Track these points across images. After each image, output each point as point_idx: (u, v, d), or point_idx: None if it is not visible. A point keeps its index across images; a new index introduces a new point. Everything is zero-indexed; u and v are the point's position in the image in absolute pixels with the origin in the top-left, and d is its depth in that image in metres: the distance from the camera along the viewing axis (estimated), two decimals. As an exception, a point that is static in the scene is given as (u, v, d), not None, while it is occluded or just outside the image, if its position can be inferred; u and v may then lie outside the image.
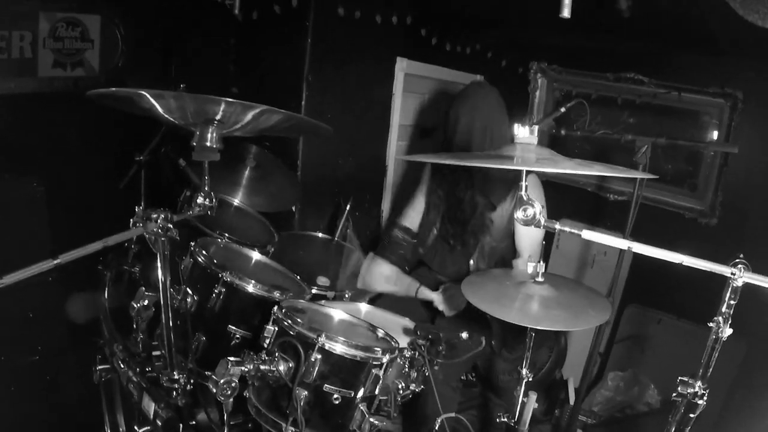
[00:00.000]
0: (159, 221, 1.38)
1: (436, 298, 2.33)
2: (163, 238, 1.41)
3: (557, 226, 1.34)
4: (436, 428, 1.76)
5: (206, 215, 1.58)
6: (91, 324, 2.06)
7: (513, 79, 4.07)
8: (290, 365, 1.51)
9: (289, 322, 1.55)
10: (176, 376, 1.50)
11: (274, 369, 1.50)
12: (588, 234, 1.32)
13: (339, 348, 1.49)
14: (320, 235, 2.91)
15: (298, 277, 2.12)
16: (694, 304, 3.31)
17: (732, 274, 1.26)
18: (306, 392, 1.48)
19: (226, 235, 2.16)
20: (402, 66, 3.58)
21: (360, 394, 1.54)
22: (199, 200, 1.54)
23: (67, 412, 2.33)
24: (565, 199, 3.73)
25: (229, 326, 1.80)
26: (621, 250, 2.32)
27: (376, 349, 1.54)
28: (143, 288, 1.70)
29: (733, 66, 3.08)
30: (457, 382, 2.37)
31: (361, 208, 3.43)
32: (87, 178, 2.59)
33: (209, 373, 1.77)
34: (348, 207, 3.01)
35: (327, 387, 1.50)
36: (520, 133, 1.39)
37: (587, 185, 3.81)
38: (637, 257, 3.56)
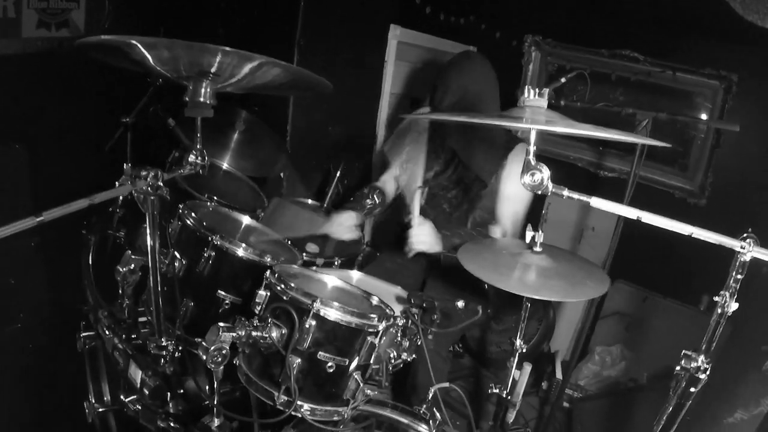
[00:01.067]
0: (149, 179, 1.30)
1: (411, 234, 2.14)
2: (152, 197, 1.34)
3: (565, 193, 1.30)
4: (429, 398, 1.74)
5: (196, 176, 1.50)
6: (75, 290, 1.98)
7: (506, 52, 4.00)
8: (283, 332, 1.46)
9: (282, 287, 1.49)
10: (164, 343, 1.43)
11: (267, 336, 1.44)
12: (596, 202, 1.29)
13: (334, 314, 1.43)
14: (310, 201, 2.85)
15: (289, 242, 2.06)
16: (681, 284, 3.38)
17: (741, 247, 1.23)
18: (299, 360, 1.44)
19: (215, 198, 2.09)
20: (395, 34, 3.49)
21: (354, 362, 1.50)
22: (191, 158, 1.46)
23: (49, 382, 2.26)
24: (556, 175, 3.71)
25: (219, 291, 1.74)
26: (617, 223, 2.34)
27: (371, 315, 1.50)
28: (129, 252, 1.63)
29: (729, 48, 3.07)
30: (448, 352, 2.35)
31: (351, 175, 3.37)
32: (72, 141, 2.49)
33: (198, 340, 1.72)
34: (338, 173, 2.95)
35: (321, 355, 1.45)
36: (530, 95, 1.34)
37: (578, 161, 3.80)
38: (625, 233, 3.61)
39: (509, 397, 1.89)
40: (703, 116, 3.25)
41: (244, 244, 1.75)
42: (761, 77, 2.97)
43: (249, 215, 2.08)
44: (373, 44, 3.41)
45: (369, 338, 1.50)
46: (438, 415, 1.73)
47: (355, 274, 2.14)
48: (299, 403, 1.43)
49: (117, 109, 2.26)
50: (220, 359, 1.38)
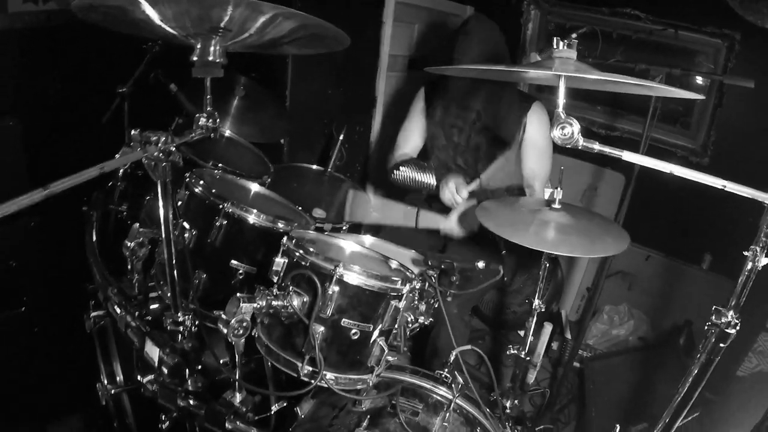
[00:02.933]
0: (160, 144, 1.22)
1: (444, 221, 2.20)
2: (164, 164, 1.26)
3: (597, 147, 1.26)
4: (451, 361, 1.72)
5: (200, 143, 1.42)
6: (80, 269, 1.90)
7: (505, 11, 3.90)
8: (305, 299, 1.41)
9: (301, 252, 1.43)
10: (181, 318, 1.37)
11: (288, 304, 1.40)
12: (629, 156, 1.24)
13: (357, 279, 1.39)
14: (314, 167, 2.78)
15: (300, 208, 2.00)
16: (683, 244, 3.40)
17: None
18: (323, 328, 1.40)
19: (220, 165, 2.01)
20: (394, -7, 3.37)
21: (378, 327, 1.47)
22: (202, 121, 1.38)
23: (59, 365, 2.20)
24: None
25: (232, 261, 1.68)
26: (628, 183, 2.32)
27: (394, 278, 1.45)
28: (137, 225, 1.56)
29: (732, 7, 3.00)
30: (469, 315, 2.33)
31: (350, 140, 3.30)
32: (68, 115, 2.37)
33: (218, 313, 1.67)
34: (341, 137, 2.87)
35: (345, 321, 1.41)
36: (559, 47, 1.29)
37: (581, 120, 3.73)
38: (628, 190, 3.59)
39: (528, 358, 1.88)
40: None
41: (255, 210, 1.68)
42: (764, 36, 2.92)
43: (257, 182, 2.01)
44: (371, 4, 3.29)
45: (393, 302, 1.46)
46: (460, 378, 1.72)
47: (368, 239, 2.09)
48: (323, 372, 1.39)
49: (112, 79, 2.15)
50: (241, 331, 1.34)
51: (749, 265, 1.28)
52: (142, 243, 1.55)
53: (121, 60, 2.11)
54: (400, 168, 2.32)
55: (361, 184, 3.51)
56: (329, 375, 1.43)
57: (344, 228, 2.48)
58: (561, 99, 1.23)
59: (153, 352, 1.38)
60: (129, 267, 1.57)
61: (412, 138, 2.52)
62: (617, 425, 1.60)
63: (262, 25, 1.25)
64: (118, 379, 1.73)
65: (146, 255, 1.58)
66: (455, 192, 2.13)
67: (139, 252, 1.55)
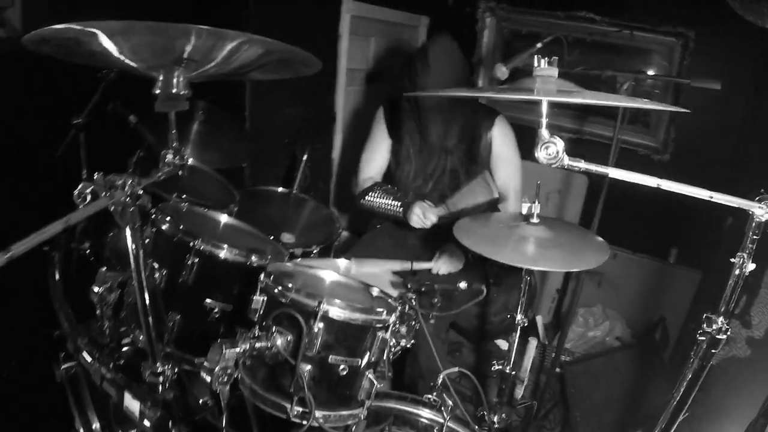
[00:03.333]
0: (126, 188, 1.14)
1: (434, 265, 2.24)
2: (132, 208, 1.18)
3: (582, 165, 1.24)
4: (438, 384, 1.69)
5: (175, 176, 1.34)
6: (45, 314, 1.76)
7: (460, 19, 3.91)
8: (289, 338, 1.35)
9: (280, 289, 1.37)
10: (160, 369, 1.29)
11: (272, 345, 1.33)
12: (615, 173, 1.24)
13: (342, 313, 1.34)
14: (280, 189, 2.71)
15: (272, 237, 1.93)
16: (649, 239, 3.48)
17: (760, 208, 1.21)
18: (310, 366, 1.34)
19: (184, 197, 1.92)
20: (349, 7, 3.34)
21: (366, 360, 1.42)
22: (168, 157, 1.30)
23: (26, 421, 2.03)
24: (521, 140, 3.71)
25: (206, 300, 1.60)
26: (588, 186, 2.32)
27: (378, 309, 1.41)
28: (104, 269, 1.46)
29: (685, 6, 3.10)
30: (446, 334, 2.31)
31: (312, 158, 3.24)
32: (18, 150, 2.20)
33: (199, 360, 1.59)
34: (305, 157, 2.80)
35: (333, 358, 1.36)
36: (540, 65, 1.27)
37: (534, 123, 3.76)
38: (591, 192, 3.65)
39: (514, 372, 1.87)
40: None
41: (227, 246, 1.61)
42: (718, 33, 3.02)
43: (224, 212, 1.93)
44: (327, 19, 3.24)
45: (379, 333, 1.42)
46: (449, 400, 1.69)
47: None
48: (313, 412, 1.33)
49: (66, 110, 2.01)
50: (226, 379, 1.27)
51: (737, 272, 1.29)
52: (111, 287, 1.46)
53: (75, 89, 1.97)
54: (368, 195, 2.33)
55: (325, 203, 3.45)
56: (319, 414, 1.37)
57: (314, 252, 2.42)
58: (544, 119, 1.22)
59: (133, 405, 1.29)
60: (98, 313, 1.47)
61: (375, 160, 2.48)
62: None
63: (228, 53, 1.18)
64: (94, 427, 1.62)
65: (115, 300, 1.48)
66: (422, 217, 2.13)
67: (108, 297, 1.45)
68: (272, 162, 3.09)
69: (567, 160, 1.24)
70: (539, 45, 2.11)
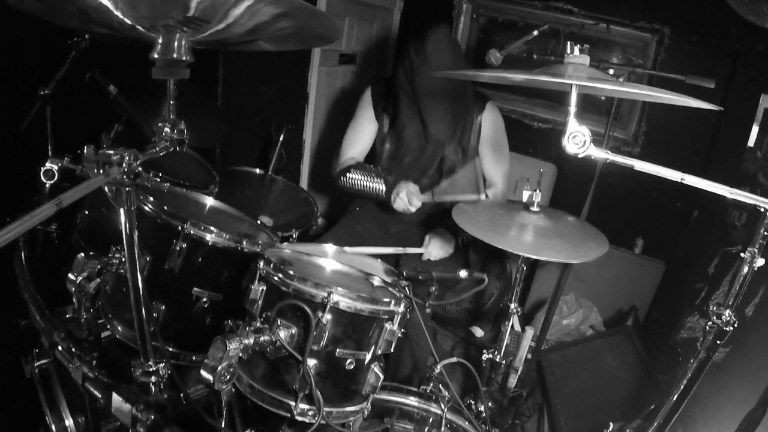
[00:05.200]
0: (123, 165, 1.01)
1: (425, 250, 2.20)
2: (128, 188, 1.05)
3: (609, 157, 1.21)
4: (435, 375, 1.64)
5: (171, 150, 1.22)
6: (7, 301, 1.58)
7: (436, 5, 3.84)
8: (293, 332, 1.26)
9: (281, 277, 1.28)
10: (153, 368, 1.17)
11: (275, 339, 1.24)
12: (640, 165, 1.21)
13: (352, 304, 1.26)
14: (257, 170, 2.57)
15: (260, 221, 1.82)
16: (615, 230, 3.54)
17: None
18: (316, 361, 1.26)
19: (163, 176, 1.76)
20: (325, -15, 3.20)
21: (371, 354, 1.35)
22: (165, 131, 1.17)
23: None
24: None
25: (194, 288, 1.48)
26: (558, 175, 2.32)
27: (385, 300, 1.34)
28: (82, 255, 1.32)
29: (664, 3, 3.16)
30: (430, 321, 2.28)
31: (283, 137, 3.11)
32: None
33: (197, 357, 1.48)
34: (282, 138, 2.68)
35: (340, 352, 1.28)
36: (573, 52, 1.23)
37: (511, 113, 3.78)
38: (560, 181, 3.70)
39: (510, 361, 1.85)
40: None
41: (216, 230, 1.49)
42: (692, 30, 3.10)
43: (208, 194, 1.80)
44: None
45: (386, 325, 1.35)
46: (445, 391, 1.65)
47: (330, 248, 1.96)
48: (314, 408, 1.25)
49: (32, 80, 1.80)
50: (228, 377, 1.17)
51: (745, 268, 1.30)
52: (90, 276, 1.31)
53: (41, 58, 1.77)
54: (348, 174, 2.24)
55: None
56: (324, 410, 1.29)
57: (294, 236, 2.32)
58: (572, 107, 1.17)
59: (123, 408, 1.16)
60: (76, 304, 1.32)
61: (359, 141, 2.40)
62: (611, 423, 1.61)
63: (246, 10, 1.05)
64: (67, 423, 1.47)
65: (95, 289, 1.34)
66: (407, 202, 2.07)
67: (88, 287, 1.31)
68: (245, 142, 2.93)
69: (594, 151, 1.21)
70: (535, 33, 2.08)
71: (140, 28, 1.07)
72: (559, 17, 3.41)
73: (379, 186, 2.18)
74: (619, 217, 3.47)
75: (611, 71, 2.03)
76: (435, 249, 2.17)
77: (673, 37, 3.11)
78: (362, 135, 2.39)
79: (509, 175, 2.48)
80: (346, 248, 1.93)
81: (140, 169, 1.05)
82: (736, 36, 2.98)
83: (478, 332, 3.07)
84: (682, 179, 1.22)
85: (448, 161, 2.28)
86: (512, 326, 1.88)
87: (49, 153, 1.79)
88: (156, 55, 1.11)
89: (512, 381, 1.89)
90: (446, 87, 2.18)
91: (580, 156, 1.21)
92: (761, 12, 1.60)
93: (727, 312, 1.34)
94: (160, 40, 1.10)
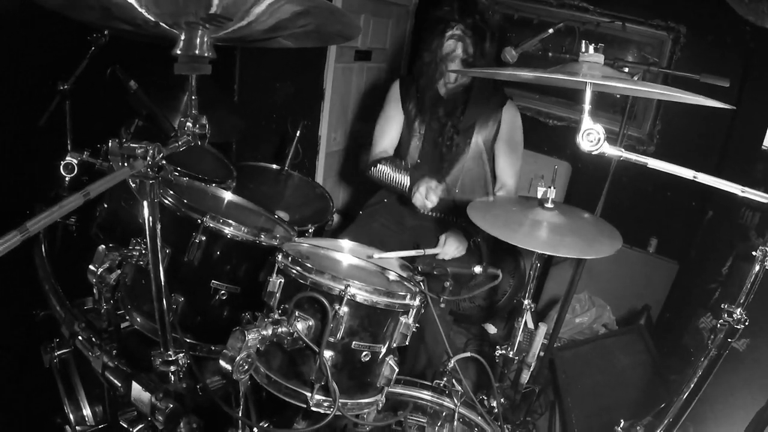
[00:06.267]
0: (148, 158, 1.03)
1: (440, 250, 2.20)
2: (152, 181, 1.07)
3: (622, 154, 1.22)
4: (448, 369, 1.66)
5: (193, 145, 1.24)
6: (27, 292, 1.61)
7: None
8: (310, 323, 1.28)
9: (299, 269, 1.30)
10: (173, 357, 1.19)
11: (293, 330, 1.26)
12: (653, 163, 1.22)
13: (368, 297, 1.28)
14: (273, 166, 2.60)
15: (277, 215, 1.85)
16: (629, 229, 3.53)
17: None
18: (332, 353, 1.28)
19: (181, 170, 1.79)
20: (342, -17, 3.22)
21: (387, 346, 1.37)
22: (188, 126, 1.19)
23: (11, 405, 1.86)
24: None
25: (213, 281, 1.51)
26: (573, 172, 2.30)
27: (401, 293, 1.35)
28: (102, 247, 1.35)
29: (679, 1, 3.13)
30: (449, 316, 2.30)
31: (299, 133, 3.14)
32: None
33: (215, 348, 1.50)
34: (298, 133, 2.70)
35: (356, 344, 1.30)
36: (588, 50, 1.24)
37: (526, 110, 3.78)
38: (575, 179, 3.69)
39: (523, 357, 1.86)
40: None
41: (235, 223, 1.52)
42: (708, 28, 3.07)
43: (226, 188, 1.83)
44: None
45: (401, 318, 1.36)
46: (458, 386, 1.66)
47: (346, 244, 1.98)
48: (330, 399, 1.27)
49: (51, 76, 1.83)
50: (246, 367, 1.19)
51: (756, 267, 1.30)
52: (111, 267, 1.34)
53: (61, 53, 1.80)
54: (379, 165, 2.30)
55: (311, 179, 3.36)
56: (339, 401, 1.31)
57: (310, 231, 2.34)
58: (587, 105, 1.18)
59: (143, 396, 1.19)
60: (97, 295, 1.35)
61: (388, 134, 2.45)
62: (621, 420, 1.61)
63: (266, 9, 1.07)
64: (84, 413, 1.51)
65: (115, 280, 1.37)
66: (425, 196, 2.09)
67: (109, 278, 1.34)
68: (261, 137, 2.96)
69: (608, 148, 1.22)
70: (551, 31, 2.08)
71: (163, 24, 1.09)
72: (574, 15, 3.40)
73: (404, 179, 2.22)
74: (633, 216, 3.46)
75: (626, 69, 2.02)
76: (451, 248, 2.18)
77: (689, 36, 3.10)
78: (391, 128, 2.44)
79: (523, 172, 2.49)
80: (370, 253, 1.93)
81: (164, 162, 1.07)
82: (751, 35, 2.95)
83: (492, 329, 3.08)
84: (694, 177, 1.22)
85: (461, 151, 2.31)
86: (525, 323, 1.88)
87: (69, 147, 1.83)
88: (179, 52, 1.13)
89: (525, 377, 1.90)
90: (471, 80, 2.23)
91: (594, 153, 1.22)
92: (761, 12, 1.59)
93: (738, 310, 1.35)
94: (182, 37, 1.12)
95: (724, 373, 1.75)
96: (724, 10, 2.97)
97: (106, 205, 1.81)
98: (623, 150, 1.23)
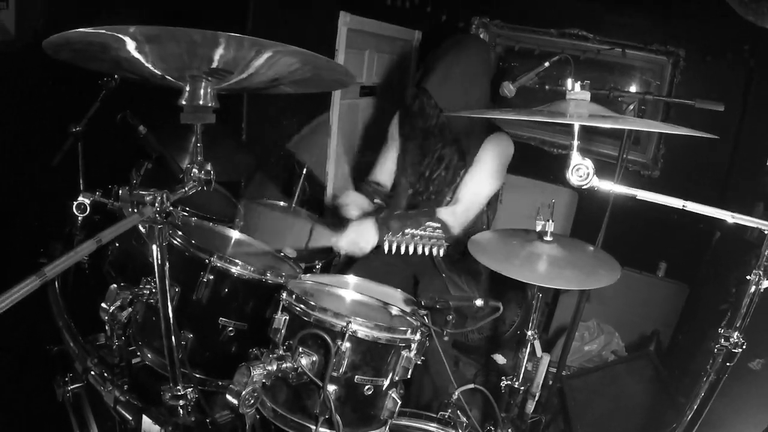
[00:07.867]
0: (156, 204, 1.10)
1: (337, 238, 2.10)
2: (160, 226, 1.14)
3: (614, 188, 1.26)
4: (453, 401, 1.68)
5: (199, 190, 1.30)
6: (41, 328, 1.68)
7: (453, 35, 3.95)
8: (314, 359, 1.33)
9: (303, 307, 1.35)
10: (182, 392, 1.24)
11: (297, 366, 1.31)
12: (643, 194, 1.25)
13: (369, 333, 1.32)
14: (281, 203, 2.67)
15: (282, 254, 1.90)
16: (638, 253, 3.53)
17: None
18: (335, 387, 1.32)
19: (189, 210, 1.86)
20: (345, 21, 3.32)
21: (390, 380, 1.40)
22: (194, 172, 1.26)
23: None
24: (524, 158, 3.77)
25: (221, 318, 1.56)
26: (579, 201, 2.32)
27: (402, 328, 1.39)
28: (114, 286, 1.41)
29: (677, 24, 3.19)
30: (452, 349, 2.30)
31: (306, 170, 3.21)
32: (11, 158, 2.10)
33: (223, 383, 1.54)
34: (305, 171, 2.77)
35: (358, 378, 1.34)
36: (574, 88, 1.29)
37: (531, 140, 3.84)
38: (581, 207, 3.69)
39: (528, 386, 1.87)
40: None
41: (242, 263, 1.57)
42: (707, 51, 3.11)
43: (233, 228, 1.89)
44: (324, 33, 3.24)
45: (404, 353, 1.40)
46: (462, 417, 1.68)
47: (351, 279, 2.01)
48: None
49: (64, 118, 1.93)
50: (252, 401, 1.23)
51: (752, 289, 1.32)
52: (122, 306, 1.40)
53: (73, 96, 1.90)
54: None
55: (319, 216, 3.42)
56: (341, 435, 1.34)
57: (317, 267, 2.38)
58: (575, 141, 1.23)
59: (153, 430, 1.23)
60: (109, 332, 1.41)
61: (385, 164, 2.50)
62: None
63: (265, 63, 1.14)
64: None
65: (127, 318, 1.43)
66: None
67: (120, 315, 1.40)
68: (269, 174, 3.04)
69: (597, 182, 1.26)
70: (547, 64, 2.13)
71: (169, 78, 1.16)
72: (575, 44, 3.47)
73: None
74: (641, 241, 3.46)
75: (620, 98, 2.06)
76: (344, 241, 2.08)
77: (688, 59, 3.14)
78: (386, 158, 2.49)
79: (528, 202, 2.48)
80: (373, 287, 1.92)
81: (171, 207, 1.13)
82: (749, 52, 2.98)
83: (500, 359, 3.07)
84: (683, 206, 1.25)
85: (448, 171, 2.33)
86: (533, 352, 1.90)
87: (81, 187, 1.90)
88: (184, 102, 1.20)
89: (530, 407, 1.90)
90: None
91: (584, 188, 1.26)
92: (761, 12, 1.63)
93: (735, 334, 1.36)
94: (187, 88, 1.20)
95: (738, 393, 1.75)
96: (721, 30, 3.03)
97: (117, 245, 1.88)
98: (612, 183, 1.27)
